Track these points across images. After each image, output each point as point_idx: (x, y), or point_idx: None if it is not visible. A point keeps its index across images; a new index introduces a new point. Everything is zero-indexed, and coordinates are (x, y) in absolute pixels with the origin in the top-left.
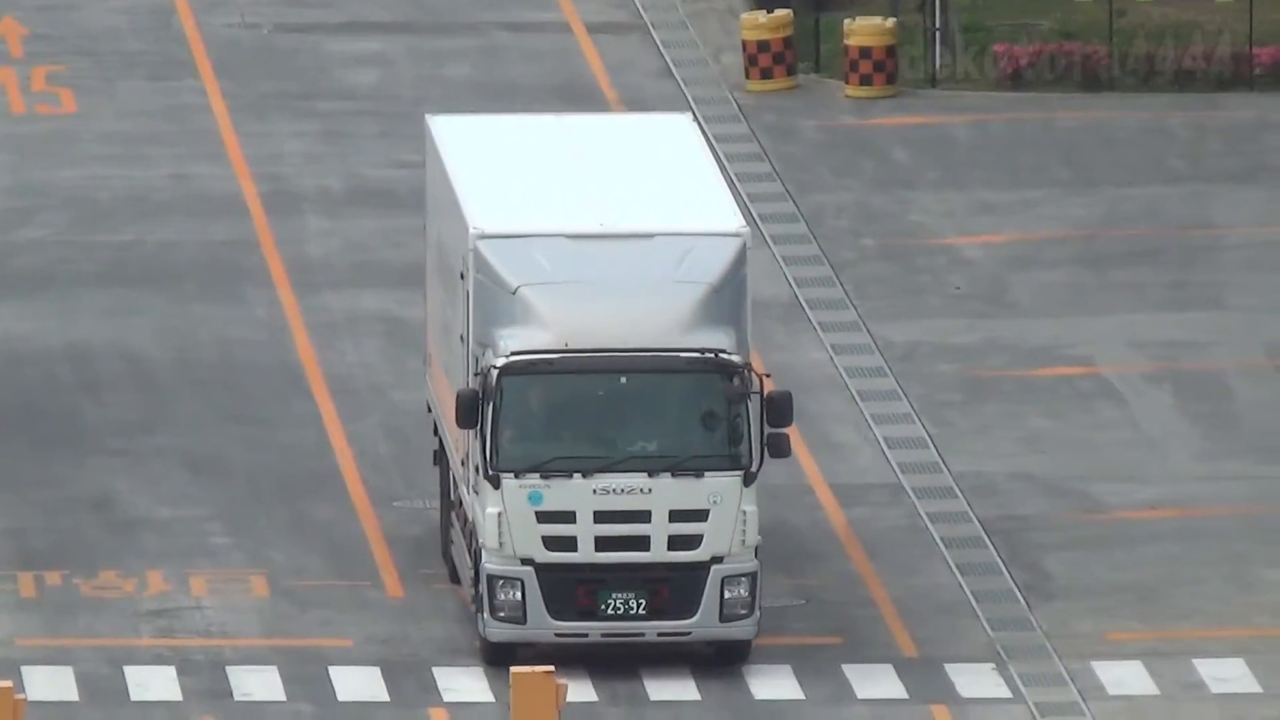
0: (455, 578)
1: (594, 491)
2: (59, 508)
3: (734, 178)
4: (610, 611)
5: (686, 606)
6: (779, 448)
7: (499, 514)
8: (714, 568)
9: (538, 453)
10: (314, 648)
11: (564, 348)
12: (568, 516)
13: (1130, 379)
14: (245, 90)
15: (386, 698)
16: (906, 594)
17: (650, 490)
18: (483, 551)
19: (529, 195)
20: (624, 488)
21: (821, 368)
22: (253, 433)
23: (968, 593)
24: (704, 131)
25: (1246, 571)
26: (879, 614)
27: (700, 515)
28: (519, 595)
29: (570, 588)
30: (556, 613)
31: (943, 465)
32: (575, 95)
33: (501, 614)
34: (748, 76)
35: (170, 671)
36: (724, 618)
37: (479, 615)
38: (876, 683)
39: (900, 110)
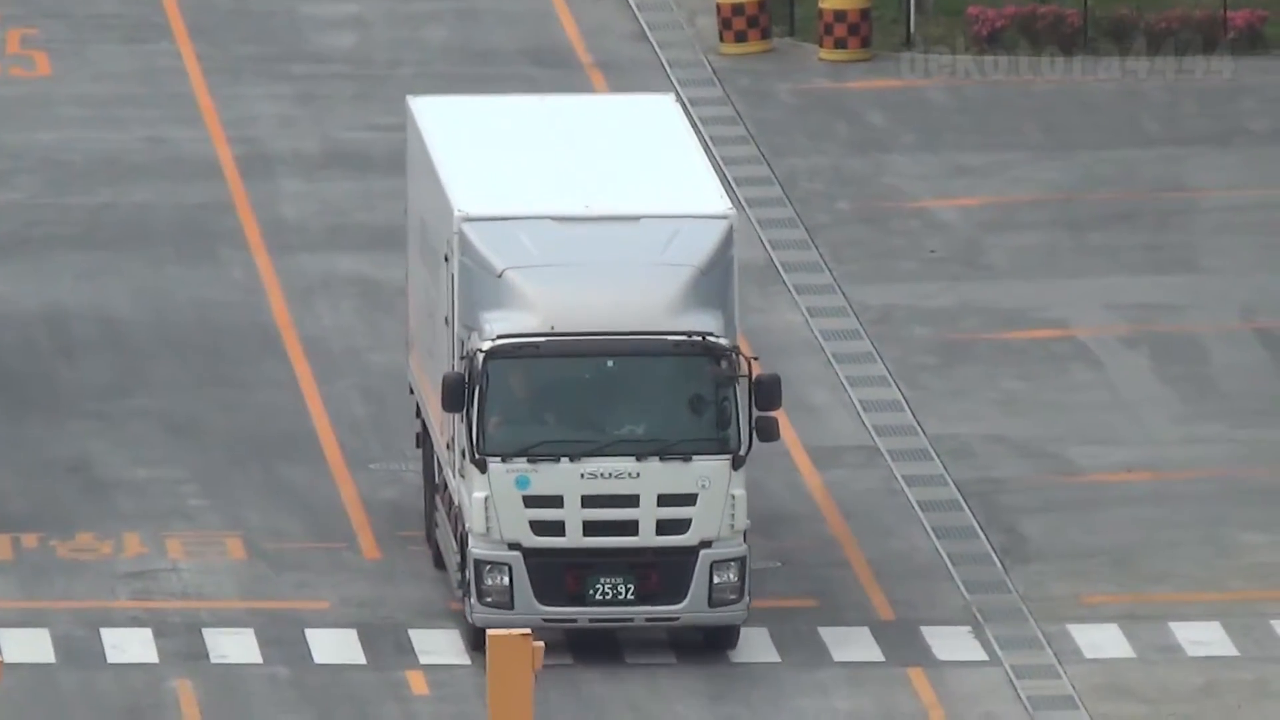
0: (440, 563)
1: (581, 476)
2: (35, 470)
3: (709, 141)
4: (598, 597)
5: (675, 591)
6: (767, 431)
7: (486, 498)
8: (702, 552)
9: (525, 437)
10: (290, 610)
11: (550, 331)
12: (555, 501)
13: (1106, 342)
14: (220, 53)
15: (363, 660)
16: (882, 557)
17: (638, 474)
18: (469, 536)
19: (514, 177)
20: (612, 472)
21: (797, 331)
22: (229, 395)
23: (944, 556)
24: (688, 112)
25: (1223, 534)
26: (855, 577)
27: (689, 499)
28: (506, 580)
29: (558, 572)
30: (544, 598)
31: (918, 428)
32: (551, 59)
33: (489, 599)
34: (722, 40)
35: (147, 634)
36: (713, 603)
37: (465, 600)
38: (853, 645)
39: (875, 74)
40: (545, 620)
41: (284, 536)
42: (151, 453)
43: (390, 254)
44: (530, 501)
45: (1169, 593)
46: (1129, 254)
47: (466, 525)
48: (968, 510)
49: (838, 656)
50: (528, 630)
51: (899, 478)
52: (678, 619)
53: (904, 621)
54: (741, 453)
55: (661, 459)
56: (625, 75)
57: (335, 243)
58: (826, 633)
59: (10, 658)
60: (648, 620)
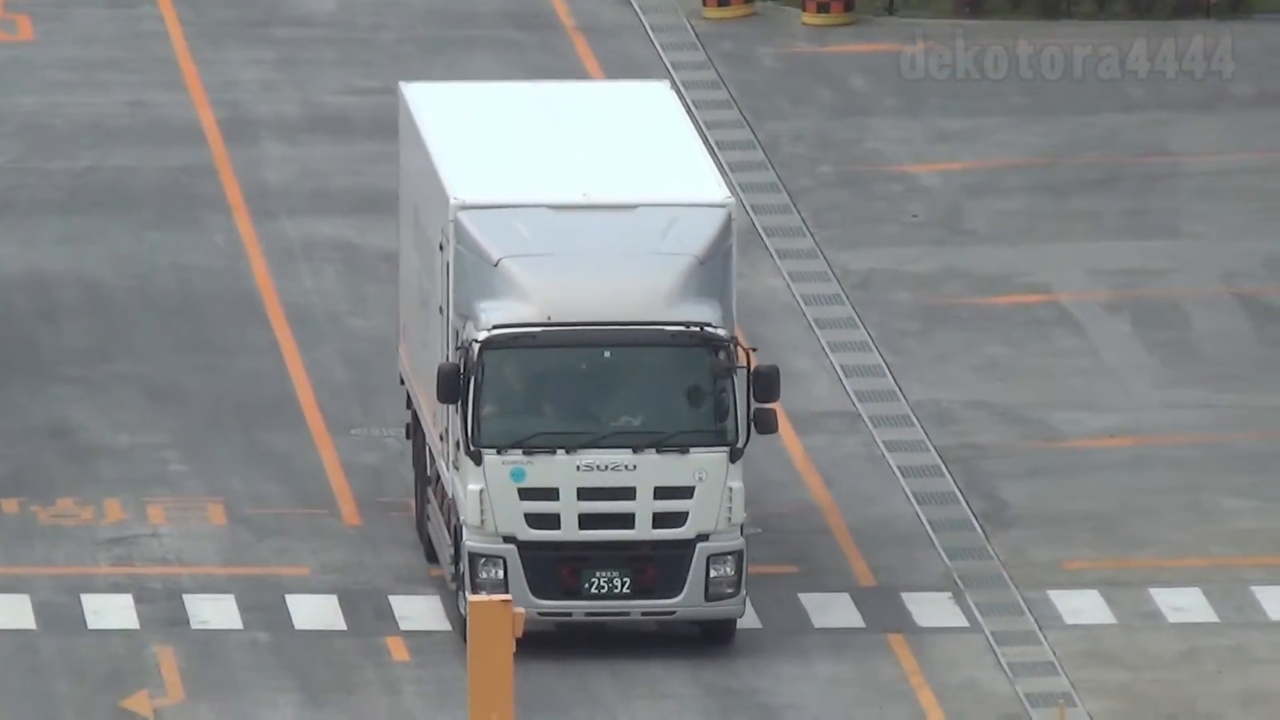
0: (431, 555)
1: (577, 468)
2: (16, 436)
3: (691, 105)
4: (594, 590)
5: (671, 585)
6: (766, 423)
7: (480, 490)
8: (699, 545)
9: (520, 428)
10: (271, 576)
11: (547, 321)
12: (551, 493)
13: (1088, 307)
14: (202, 17)
15: (344, 626)
16: (863, 523)
17: (635, 466)
18: (464, 529)
19: (509, 165)
20: (608, 464)
21: (778, 295)
22: (210, 360)
23: (924, 522)
24: (682, 97)
25: (1204, 500)
26: (836, 543)
27: (685, 492)
28: (501, 573)
29: (553, 566)
30: (539, 591)
31: (900, 393)
32: (533, 22)
33: (483, 592)
34: (705, 3)
35: (127, 599)
36: (710, 596)
37: (459, 594)
38: (833, 611)
39: (857, 38)
40: (540, 614)
41: (265, 502)
42: (133, 418)
43: (373, 218)
44: (525, 494)
45: (1150, 558)
46: (1111, 219)
47: (461, 518)
48: (949, 476)
49: (818, 623)
50: (509, 596)
51: (880, 443)
52: (674, 613)
53: (885, 587)
54: (739, 445)
55: (658, 451)
56: (607, 39)
57: (317, 207)
58: (807, 599)
59: None
60: (644, 614)
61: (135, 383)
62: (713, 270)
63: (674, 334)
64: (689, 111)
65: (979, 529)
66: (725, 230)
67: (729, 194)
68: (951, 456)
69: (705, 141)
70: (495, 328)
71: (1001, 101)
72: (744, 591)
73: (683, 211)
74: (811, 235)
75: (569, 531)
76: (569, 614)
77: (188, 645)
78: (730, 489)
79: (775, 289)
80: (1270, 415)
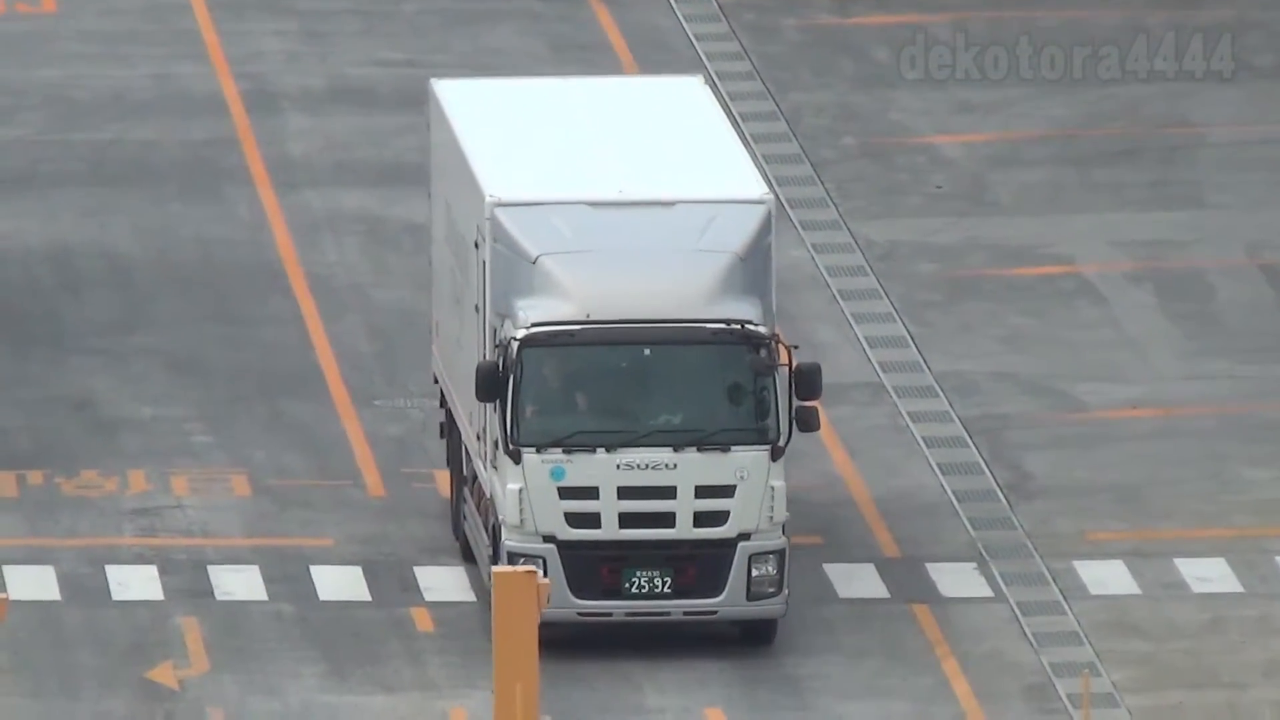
0: (468, 554)
1: (618, 466)
2: (40, 407)
3: (714, 77)
4: (635, 590)
5: (713, 585)
6: (807, 421)
7: (520, 490)
8: (741, 545)
9: (560, 427)
10: (295, 547)
11: (586, 319)
12: (591, 492)
13: (1111, 278)
14: None
15: (368, 597)
16: (888, 493)
17: (675, 465)
18: (502, 528)
19: (545, 162)
20: (648, 463)
21: (802, 267)
22: (233, 332)
23: (949, 492)
24: (720, 93)
25: (1227, 471)
26: (860, 514)
27: (727, 491)
28: (541, 573)
29: (593, 566)
30: (579, 591)
31: (924, 364)
32: None
33: None
34: None
35: (152, 570)
36: (751, 596)
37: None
38: (858, 582)
39: (880, 9)
40: (580, 614)
41: (289, 473)
42: (156, 390)
43: (396, 190)
44: (565, 493)
45: (1174, 529)
46: (1134, 190)
47: (499, 517)
48: (973, 447)
49: (843, 593)
50: (533, 568)
51: (904, 414)
52: (715, 613)
53: (909, 558)
54: (781, 443)
55: (699, 449)
56: (630, 11)
57: (341, 179)
58: (832, 569)
59: (15, 595)
60: (685, 614)
61: (158, 355)
62: (752, 267)
63: (714, 332)
64: (714, 87)
65: (1003, 499)
66: (765, 226)
67: (768, 190)
68: (975, 427)
69: (740, 134)
70: (534, 326)
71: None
72: (786, 591)
73: (722, 208)
74: (835, 207)
75: (609, 531)
76: (609, 614)
77: (212, 616)
78: (772, 488)
79: (799, 260)
80: None
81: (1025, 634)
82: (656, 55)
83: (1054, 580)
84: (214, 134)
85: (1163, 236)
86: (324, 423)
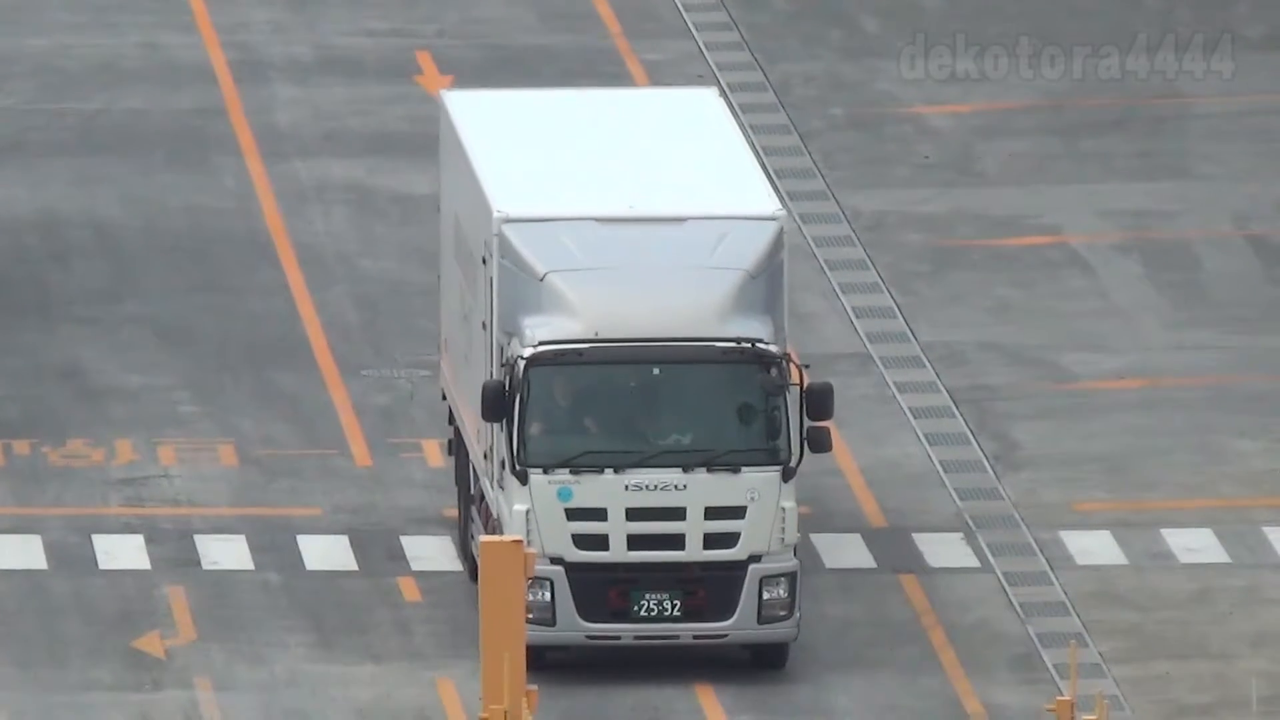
0: (474, 574)
1: (626, 488)
2: (27, 376)
3: (702, 47)
4: (643, 613)
5: (723, 607)
6: (819, 442)
7: (527, 511)
8: (752, 567)
9: (567, 447)
10: (282, 516)
11: (594, 337)
12: (599, 514)
13: (1098, 248)
14: None
15: (355, 566)
16: (874, 464)
17: (685, 486)
18: None
19: (554, 176)
20: (658, 484)
21: (789, 237)
22: (221, 301)
23: (936, 462)
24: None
25: (1214, 441)
26: (847, 484)
27: (737, 512)
28: (548, 596)
29: (602, 588)
30: (587, 614)
31: (910, 335)
32: None
33: (530, 615)
34: None
35: (138, 540)
36: (762, 619)
37: None
38: (845, 552)
39: None
40: (588, 637)
41: (276, 443)
42: (143, 359)
43: (384, 160)
44: (573, 514)
45: (1161, 499)
46: (1122, 160)
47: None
48: (960, 417)
49: (829, 563)
50: (519, 537)
51: (891, 385)
52: (726, 636)
53: (896, 528)
54: (792, 464)
55: (709, 470)
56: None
57: (328, 149)
58: (818, 540)
59: (2, 564)
60: (695, 638)
61: (146, 324)
62: (764, 285)
63: (725, 350)
64: (702, 56)
65: (990, 470)
66: (776, 243)
67: (780, 206)
68: (962, 397)
69: (752, 147)
70: (541, 344)
71: (1012, 43)
72: (798, 614)
73: (733, 224)
74: (822, 176)
75: (617, 553)
76: (618, 638)
77: (199, 586)
78: (783, 509)
79: (786, 230)
80: None
81: (1012, 604)
82: (645, 25)
83: (1041, 550)
84: (202, 103)
85: (1150, 207)
86: (311, 392)
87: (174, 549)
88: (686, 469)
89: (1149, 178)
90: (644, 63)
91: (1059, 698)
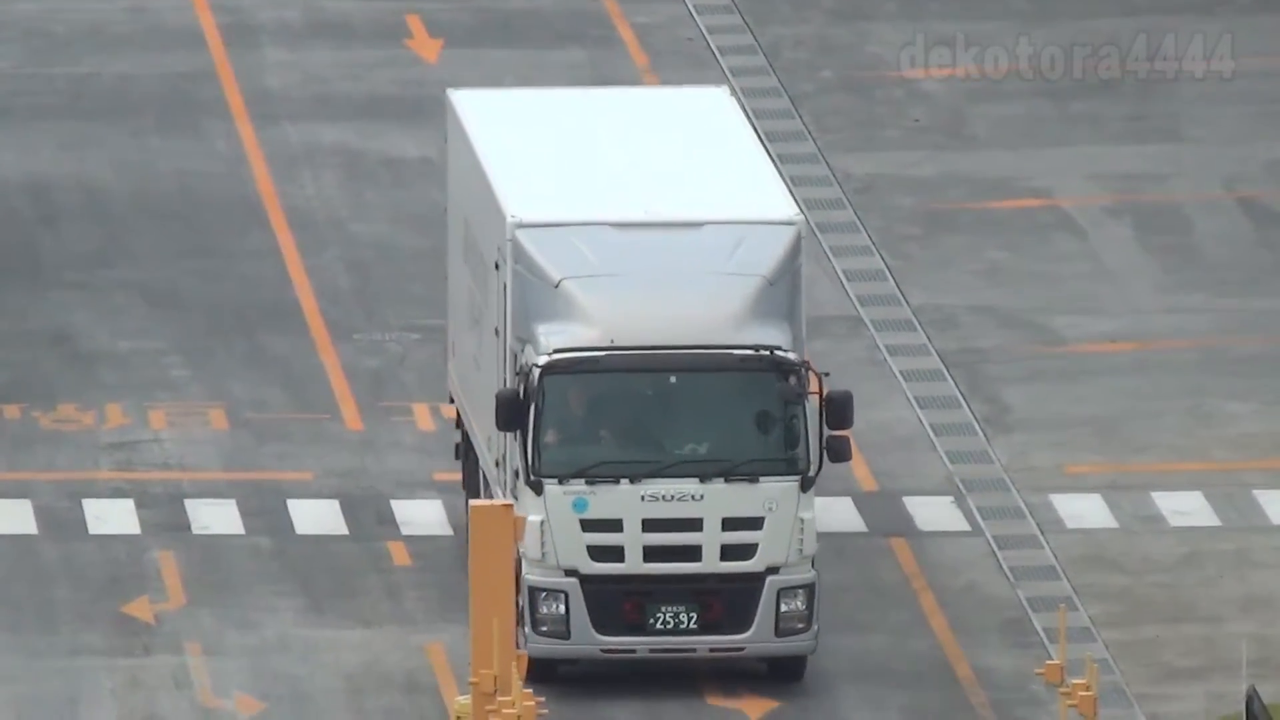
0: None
1: (642, 498)
2: (17, 341)
3: (692, 10)
4: (659, 625)
5: (740, 620)
6: (839, 451)
7: (541, 522)
8: (769, 579)
9: (582, 457)
10: (272, 481)
11: (610, 345)
12: (614, 525)
13: (1089, 211)
14: None
15: (345, 531)
16: (865, 427)
17: (702, 497)
18: (523, 561)
19: (568, 180)
20: (674, 494)
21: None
22: (211, 265)
23: (926, 426)
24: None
25: (1205, 404)
26: None
27: (755, 523)
28: (562, 608)
29: (617, 600)
30: (602, 627)
31: (901, 298)
32: None
33: (544, 628)
34: None
35: (129, 504)
36: (780, 632)
37: (518, 629)
38: (835, 515)
39: None
40: (603, 650)
41: (266, 407)
42: (134, 323)
43: (375, 124)
44: (588, 525)
45: (1151, 463)
46: (1112, 124)
47: (520, 550)
48: (951, 380)
49: (820, 527)
50: (510, 501)
51: (882, 348)
52: (743, 649)
53: (886, 492)
54: (811, 473)
55: (726, 480)
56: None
57: (319, 113)
58: None
59: None
60: (711, 651)
61: (136, 288)
62: (782, 291)
63: (742, 358)
64: (692, 20)
65: (981, 433)
66: (794, 249)
67: (798, 210)
68: (953, 360)
69: (695, 24)
70: (556, 352)
71: (1002, 6)
72: (815, 626)
73: (750, 229)
74: (813, 140)
75: (633, 564)
76: (633, 651)
77: (189, 550)
78: (801, 520)
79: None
80: (1271, 319)
81: (1002, 568)
82: None
83: (1031, 514)
84: (192, 67)
85: (1141, 170)
86: (302, 356)
87: (164, 513)
88: (703, 479)
89: (1139, 140)
90: (634, 26)
91: (1049, 661)
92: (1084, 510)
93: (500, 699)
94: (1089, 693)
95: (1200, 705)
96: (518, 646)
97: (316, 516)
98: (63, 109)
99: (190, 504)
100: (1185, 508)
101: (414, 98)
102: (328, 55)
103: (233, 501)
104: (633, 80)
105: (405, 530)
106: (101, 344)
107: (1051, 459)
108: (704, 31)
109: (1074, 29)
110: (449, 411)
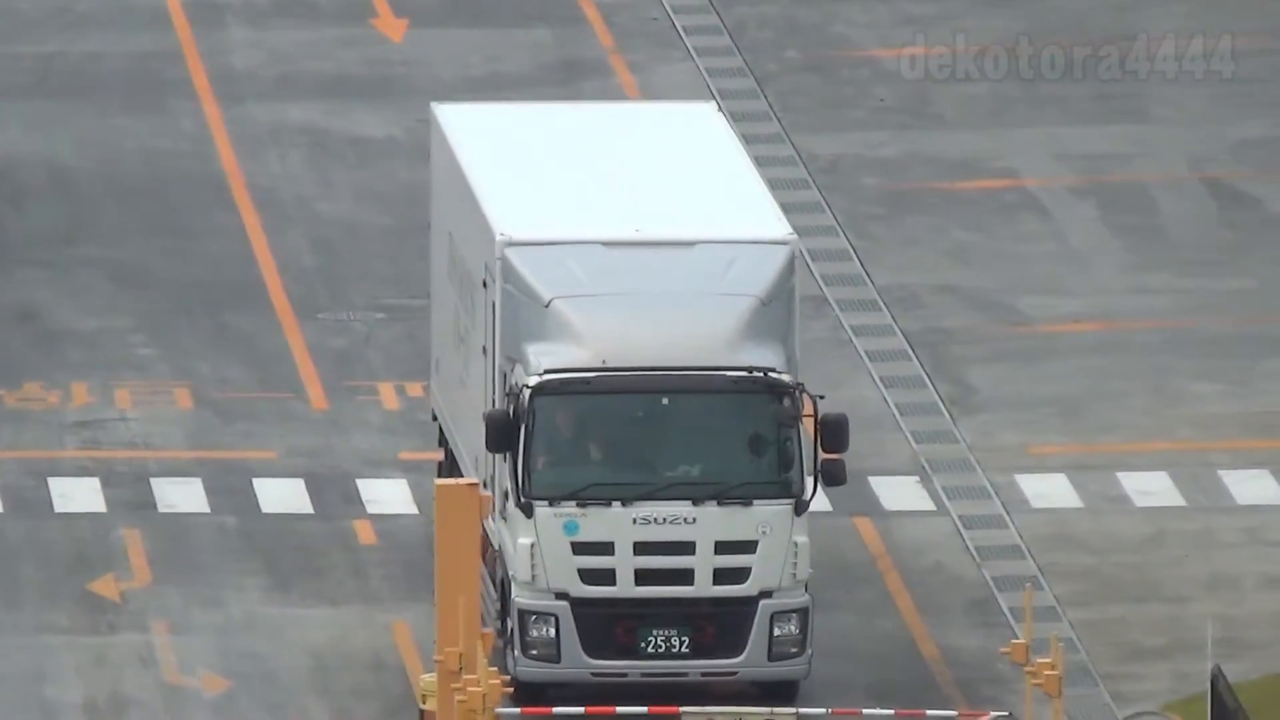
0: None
1: (634, 521)
2: None
3: None
4: (651, 650)
5: (733, 644)
6: (834, 475)
7: (531, 544)
8: (762, 603)
9: (573, 479)
10: (238, 459)
11: (601, 365)
12: (605, 548)
13: (1054, 191)
14: None
15: (310, 510)
16: (830, 406)
17: (694, 520)
18: (513, 584)
19: (557, 197)
20: (666, 517)
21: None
22: (177, 244)
23: (891, 406)
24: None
25: (1170, 384)
26: (802, 426)
27: (748, 547)
28: (553, 632)
29: (608, 624)
30: (593, 651)
31: (866, 278)
32: None
33: (534, 652)
34: None
35: (94, 483)
36: (773, 656)
37: (508, 652)
38: None
39: None
40: (594, 675)
41: (232, 386)
42: (99, 302)
43: (341, 103)
44: (579, 548)
45: (1117, 443)
46: (1078, 104)
47: (510, 572)
48: (916, 360)
49: None
50: (475, 480)
51: (847, 328)
52: (736, 674)
53: (851, 471)
54: (805, 497)
55: (719, 503)
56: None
57: (284, 92)
58: None
59: None
60: (704, 675)
61: (102, 267)
62: (775, 312)
63: (736, 380)
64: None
65: (946, 413)
66: (788, 269)
67: (791, 230)
68: (918, 340)
69: (755, 165)
70: (547, 373)
71: None
72: (809, 651)
73: (743, 249)
74: (778, 120)
75: (625, 588)
76: (624, 675)
77: (154, 529)
78: (795, 544)
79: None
80: (1236, 299)
81: (968, 548)
82: None
83: (996, 494)
84: (158, 47)
85: (1107, 150)
86: (267, 335)
87: (130, 492)
88: (696, 502)
89: (1105, 121)
90: (599, 5)
91: (1014, 640)
92: (1049, 490)
93: (466, 677)
94: (1054, 672)
95: (1165, 684)
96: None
97: (282, 495)
98: (29, 88)
99: (156, 483)
100: (1150, 488)
101: (380, 77)
102: (293, 34)
103: (198, 480)
104: (597, 60)
105: (371, 509)
106: (67, 322)
107: (1017, 439)
108: (669, 11)
109: (1041, 7)
110: (414, 390)
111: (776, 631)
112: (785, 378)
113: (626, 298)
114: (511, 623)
